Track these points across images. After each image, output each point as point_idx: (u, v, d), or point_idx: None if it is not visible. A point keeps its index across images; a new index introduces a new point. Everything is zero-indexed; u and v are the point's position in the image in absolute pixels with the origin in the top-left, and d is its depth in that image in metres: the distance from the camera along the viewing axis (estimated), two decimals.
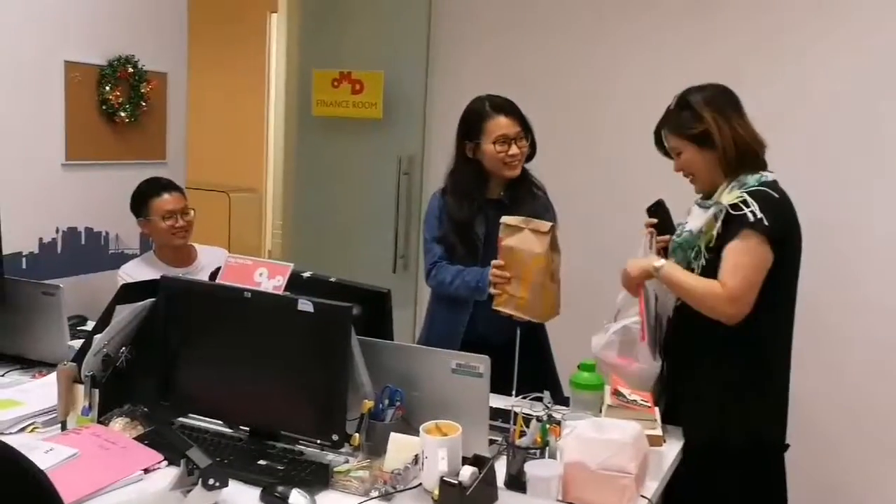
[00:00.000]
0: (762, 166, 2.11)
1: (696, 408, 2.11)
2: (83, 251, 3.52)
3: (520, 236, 2.22)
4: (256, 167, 7.09)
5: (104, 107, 3.48)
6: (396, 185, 4.43)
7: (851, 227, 3.11)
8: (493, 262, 2.29)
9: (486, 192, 2.57)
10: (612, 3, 3.73)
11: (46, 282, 2.46)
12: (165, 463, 1.78)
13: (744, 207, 2.01)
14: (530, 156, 2.59)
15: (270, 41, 6.94)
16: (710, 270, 2.05)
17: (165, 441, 1.80)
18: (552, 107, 3.67)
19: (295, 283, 2.00)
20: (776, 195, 2.06)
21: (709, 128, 2.08)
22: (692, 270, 2.11)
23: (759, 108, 2.19)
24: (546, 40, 3.90)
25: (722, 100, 2.12)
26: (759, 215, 1.99)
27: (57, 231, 3.40)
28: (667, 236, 2.24)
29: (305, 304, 1.79)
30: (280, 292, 1.88)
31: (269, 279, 1.88)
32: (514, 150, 2.50)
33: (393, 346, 1.98)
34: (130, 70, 3.55)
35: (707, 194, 2.15)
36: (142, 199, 3.16)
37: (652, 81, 3.53)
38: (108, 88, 3.47)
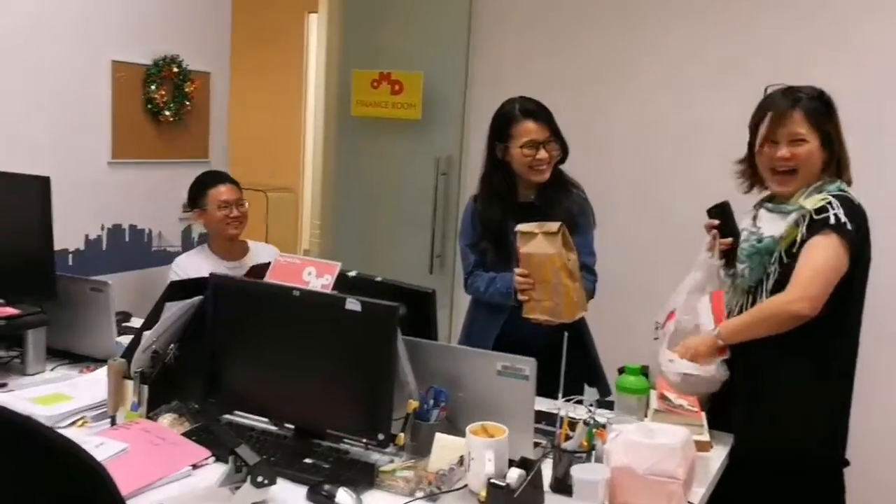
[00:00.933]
0: (844, 178, 2.09)
1: (753, 414, 2.08)
2: (127, 248, 3.57)
3: (535, 242, 2.28)
4: (294, 167, 7.15)
5: (149, 106, 3.53)
6: (434, 185, 4.44)
7: None
8: (516, 269, 2.33)
9: (517, 196, 2.57)
10: (655, 1, 3.71)
11: (94, 278, 2.48)
12: (213, 459, 1.80)
13: (829, 209, 1.97)
14: (562, 159, 2.58)
15: (309, 41, 7.00)
16: (787, 275, 2.01)
17: (214, 437, 1.82)
18: (592, 108, 3.66)
19: (341, 282, 2.01)
20: (857, 203, 2.03)
21: (834, 130, 2.06)
22: (768, 276, 2.06)
23: None
24: (586, 42, 3.89)
25: (834, 107, 2.09)
26: (843, 220, 1.96)
27: (102, 228, 3.45)
28: (729, 239, 2.18)
29: (353, 304, 1.79)
30: (328, 291, 1.89)
31: (318, 278, 1.89)
32: (541, 154, 2.49)
33: (438, 346, 1.98)
34: (175, 70, 3.59)
35: (768, 198, 2.13)
36: (200, 189, 3.27)
37: (698, 82, 3.51)
38: (153, 88, 3.52)
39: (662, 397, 1.99)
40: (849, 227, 1.95)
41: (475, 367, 1.90)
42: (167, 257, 3.60)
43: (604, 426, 1.87)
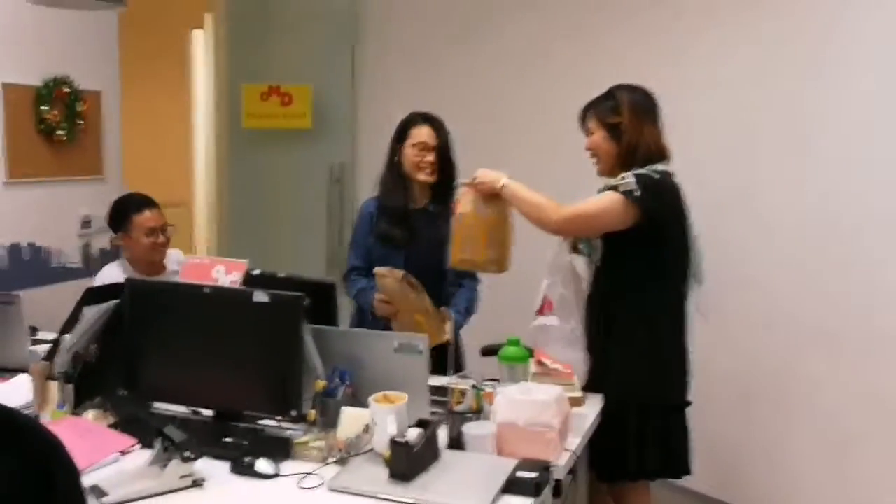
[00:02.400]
0: (657, 162, 2.39)
1: (607, 372, 2.41)
2: (27, 266, 3.63)
3: (388, 282, 2.56)
4: (185, 182, 7.17)
5: (42, 126, 3.61)
6: (328, 192, 4.64)
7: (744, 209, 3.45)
8: (377, 295, 2.63)
9: (412, 199, 2.83)
10: (535, 20, 4.01)
11: (3, 292, 2.58)
12: (139, 446, 1.96)
13: (620, 181, 2.32)
14: (449, 176, 2.82)
15: (194, 57, 7.05)
16: (609, 245, 2.38)
17: (138, 427, 1.98)
18: (471, 118, 3.93)
19: (246, 280, 2.21)
20: (657, 176, 2.34)
21: (622, 123, 2.38)
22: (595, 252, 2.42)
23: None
24: (470, 53, 4.17)
25: (644, 105, 2.42)
26: (632, 187, 2.29)
27: (1, 247, 3.50)
28: None
29: (261, 296, 2.00)
30: (237, 286, 2.09)
31: (227, 275, 2.09)
32: (429, 157, 2.77)
33: (340, 331, 2.21)
34: (66, 90, 3.68)
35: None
36: (123, 215, 3.11)
37: (563, 90, 3.83)
38: (45, 108, 3.60)
39: (539, 363, 2.28)
40: (636, 192, 2.27)
41: (375, 347, 2.13)
42: (68, 274, 3.68)
43: (490, 390, 2.14)
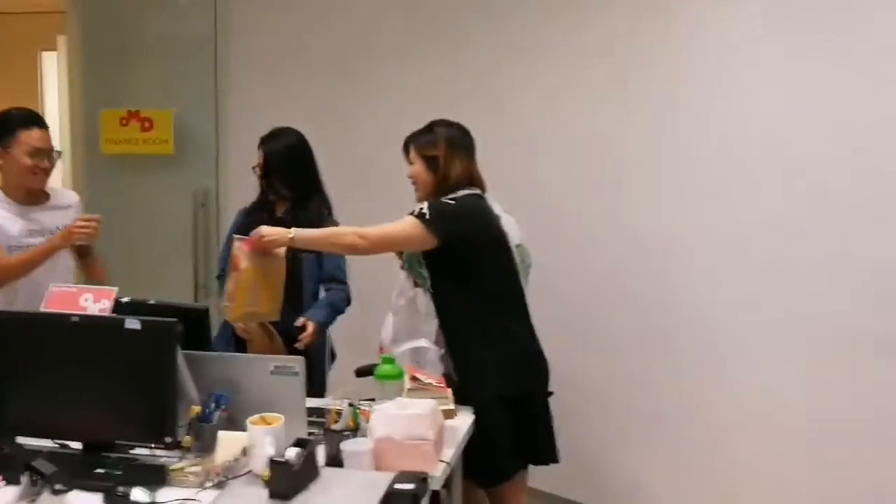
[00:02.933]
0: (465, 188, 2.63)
1: (458, 378, 2.56)
2: None
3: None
4: None
5: None
6: (193, 217, 4.57)
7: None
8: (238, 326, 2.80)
9: (275, 212, 2.99)
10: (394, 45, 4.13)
11: None
12: (3, 483, 1.89)
13: (417, 208, 2.55)
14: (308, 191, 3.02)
15: (44, 80, 6.78)
16: (431, 266, 2.61)
17: (2, 462, 1.91)
18: (328, 143, 4.00)
19: (116, 308, 2.18)
20: (451, 203, 2.57)
21: (438, 157, 2.61)
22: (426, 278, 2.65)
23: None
24: (331, 77, 4.25)
25: (460, 140, 2.65)
26: (424, 210, 2.52)
27: None
28: None
29: (133, 323, 1.98)
30: (106, 314, 2.06)
31: (95, 303, 2.05)
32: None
33: (215, 356, 2.21)
34: None
35: None
36: (7, 126, 2.80)
37: (401, 119, 3.96)
38: None
39: (414, 378, 2.36)
40: (427, 215, 2.51)
41: (251, 371, 2.15)
42: None
43: (366, 408, 2.19)
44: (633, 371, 3.51)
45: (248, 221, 2.91)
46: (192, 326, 2.19)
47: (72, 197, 3.03)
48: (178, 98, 4.60)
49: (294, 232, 2.57)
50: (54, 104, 6.60)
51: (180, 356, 2.04)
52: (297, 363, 2.12)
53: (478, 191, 2.67)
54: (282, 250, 2.63)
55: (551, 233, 3.50)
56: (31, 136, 2.76)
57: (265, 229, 2.59)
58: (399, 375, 2.40)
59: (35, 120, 2.85)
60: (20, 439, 2.08)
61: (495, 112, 3.76)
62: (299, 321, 2.78)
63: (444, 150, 2.62)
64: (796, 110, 2.99)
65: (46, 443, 2.08)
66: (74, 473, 1.92)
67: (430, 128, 2.67)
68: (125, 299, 2.26)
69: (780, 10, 3.01)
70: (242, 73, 4.47)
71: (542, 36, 3.75)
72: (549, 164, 3.71)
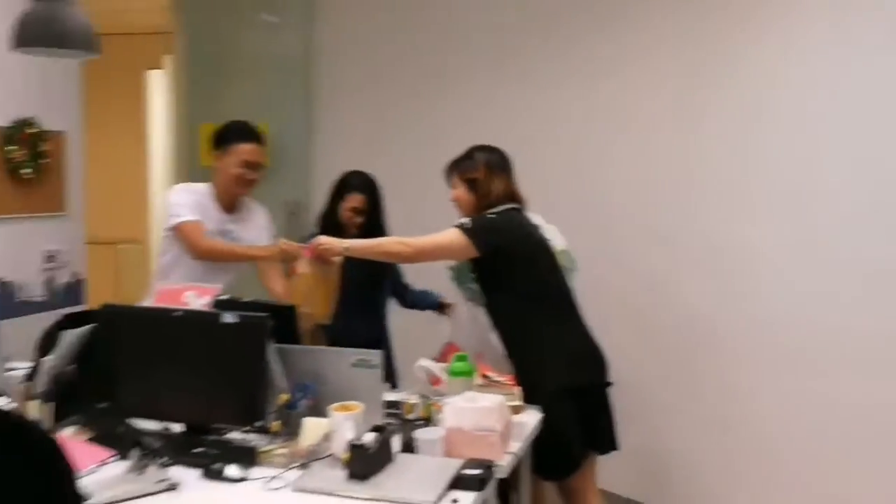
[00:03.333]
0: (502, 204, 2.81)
1: (521, 379, 2.67)
2: None
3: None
4: (140, 218, 7.30)
5: (9, 165, 3.76)
6: (284, 226, 4.84)
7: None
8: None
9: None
10: (476, 66, 4.31)
11: None
12: (116, 457, 2.13)
13: (459, 221, 2.79)
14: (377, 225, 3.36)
15: (149, 96, 7.23)
16: (483, 283, 2.81)
17: (115, 441, 2.15)
18: (414, 161, 4.21)
19: (215, 304, 2.40)
20: (492, 216, 2.78)
21: (479, 178, 2.80)
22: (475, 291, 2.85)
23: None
24: (407, 95, 4.46)
25: (498, 162, 2.85)
26: (466, 223, 2.75)
27: None
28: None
29: (229, 318, 2.19)
30: (206, 309, 2.28)
31: (198, 298, 2.28)
32: (360, 219, 3.35)
33: (302, 349, 2.41)
34: (31, 130, 3.83)
35: None
36: (228, 137, 3.20)
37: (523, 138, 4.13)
38: (11, 148, 3.75)
39: (484, 376, 2.51)
40: (466, 225, 2.73)
41: (333, 363, 2.34)
42: (32, 307, 3.81)
43: (438, 401, 2.36)
44: (699, 373, 3.58)
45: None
46: (282, 322, 2.40)
47: (261, 215, 3.38)
48: (272, 114, 4.88)
49: (348, 242, 2.86)
50: (158, 119, 7.04)
51: (271, 349, 2.25)
52: (376, 357, 2.31)
53: (517, 206, 2.84)
54: (337, 259, 2.89)
55: (619, 238, 3.63)
56: (245, 149, 3.14)
57: (323, 238, 2.86)
58: (470, 373, 2.56)
59: (251, 135, 3.22)
60: (131, 420, 2.33)
61: (572, 118, 3.92)
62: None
63: (484, 172, 2.83)
64: (872, 117, 3.02)
65: (153, 424, 2.32)
66: (177, 451, 2.14)
67: (470, 154, 2.89)
68: (223, 297, 2.49)
69: (855, 18, 3.05)
70: (333, 91, 4.73)
71: (618, 45, 3.88)
72: (622, 170, 3.84)
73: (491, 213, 2.79)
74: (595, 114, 3.95)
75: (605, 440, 2.80)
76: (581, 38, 3.99)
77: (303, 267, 2.85)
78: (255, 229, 3.29)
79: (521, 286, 2.76)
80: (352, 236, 3.21)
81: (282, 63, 4.88)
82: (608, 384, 2.82)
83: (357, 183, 3.37)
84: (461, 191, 2.86)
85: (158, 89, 6.98)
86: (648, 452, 3.68)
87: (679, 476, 3.67)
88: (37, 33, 2.52)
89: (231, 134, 3.21)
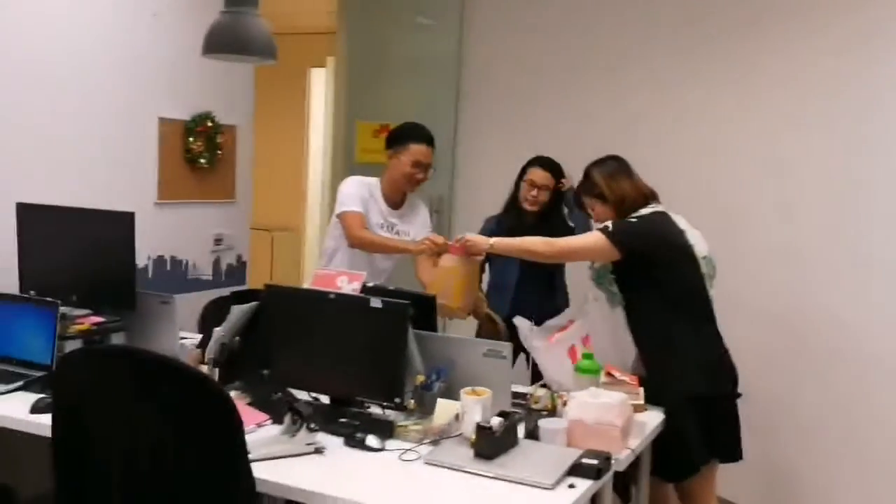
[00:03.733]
0: (644, 206, 2.88)
1: (650, 379, 2.77)
2: (168, 276, 4.18)
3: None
4: (296, 208, 7.77)
5: (188, 155, 4.17)
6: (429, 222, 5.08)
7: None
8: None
9: (525, 223, 3.49)
10: (617, 75, 4.41)
11: (162, 294, 3.08)
12: (271, 421, 2.40)
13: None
14: (554, 208, 3.56)
15: (311, 93, 7.68)
16: (623, 285, 2.87)
17: (270, 406, 2.42)
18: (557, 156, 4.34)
19: (363, 290, 2.64)
20: (635, 220, 2.85)
21: (602, 189, 2.89)
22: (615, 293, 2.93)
23: None
24: (550, 97, 4.60)
25: (612, 167, 2.95)
26: (609, 226, 2.82)
27: (149, 259, 4.06)
28: None
29: (376, 302, 2.42)
30: (357, 294, 2.52)
31: (349, 284, 2.52)
32: (535, 193, 3.49)
33: (439, 336, 2.61)
34: (209, 124, 4.24)
35: None
36: (403, 137, 3.44)
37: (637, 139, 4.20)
38: (191, 140, 4.16)
39: (609, 374, 2.62)
40: (610, 229, 2.81)
41: (466, 351, 2.52)
42: (201, 284, 4.22)
43: (564, 393, 2.50)
44: (839, 390, 3.53)
45: (504, 227, 3.48)
46: (422, 310, 2.61)
47: (422, 211, 3.64)
48: (422, 112, 5.11)
49: (493, 240, 2.98)
50: (319, 115, 7.48)
51: (411, 333, 2.45)
52: (506, 349, 2.47)
53: (660, 208, 2.90)
54: (479, 257, 3.06)
55: (728, 248, 3.64)
56: (418, 150, 3.39)
57: (469, 235, 3.03)
58: (597, 371, 2.67)
59: (425, 137, 3.44)
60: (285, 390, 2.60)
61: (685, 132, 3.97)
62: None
63: (605, 181, 2.92)
64: None
65: (304, 394, 2.58)
66: (323, 420, 2.38)
67: (587, 173, 2.99)
68: (370, 284, 2.72)
69: None
70: (479, 92, 4.92)
71: (729, 62, 3.92)
72: (732, 182, 3.86)
73: (633, 217, 2.87)
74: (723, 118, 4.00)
75: (728, 449, 2.82)
76: (719, 41, 4.03)
77: (445, 261, 3.03)
78: (417, 225, 3.55)
79: (660, 290, 2.83)
80: (530, 217, 3.46)
81: (433, 64, 5.12)
82: (737, 395, 2.84)
83: (540, 160, 3.55)
84: (598, 208, 2.96)
85: (320, 87, 7.40)
86: (775, 466, 3.66)
87: (807, 494, 3.63)
88: (224, 41, 2.84)
89: (407, 134, 3.44)
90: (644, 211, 2.88)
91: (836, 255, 3.55)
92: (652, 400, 2.67)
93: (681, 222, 2.93)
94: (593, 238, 2.87)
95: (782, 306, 3.74)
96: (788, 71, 3.77)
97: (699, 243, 2.93)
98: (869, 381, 3.41)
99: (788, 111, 3.77)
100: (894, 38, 3.36)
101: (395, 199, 3.50)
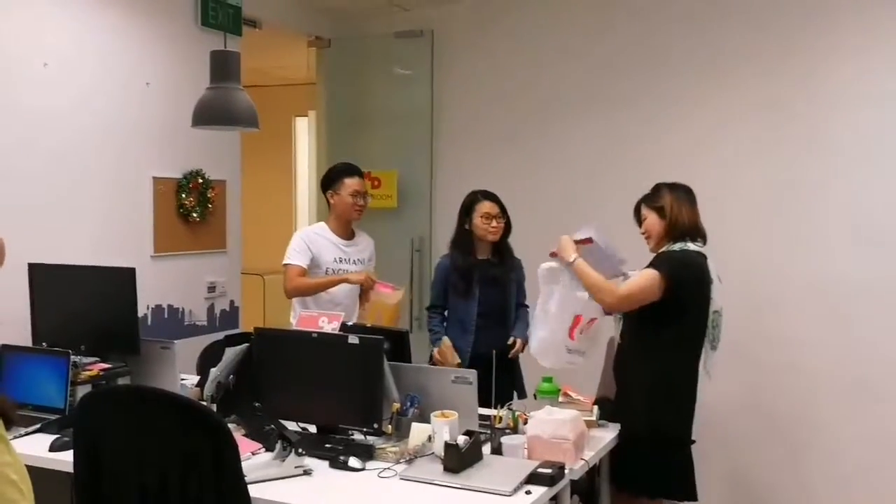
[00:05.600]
0: (693, 239, 3.05)
1: (621, 406, 3.03)
2: (166, 323, 4.46)
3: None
4: (285, 252, 8.06)
5: (181, 210, 4.48)
6: (410, 260, 5.41)
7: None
8: (435, 354, 3.67)
9: (477, 254, 3.73)
10: (582, 118, 4.76)
11: (163, 339, 3.37)
12: (263, 449, 2.69)
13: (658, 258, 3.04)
14: (507, 233, 3.69)
15: (297, 140, 8.04)
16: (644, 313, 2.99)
17: (262, 436, 2.71)
18: (518, 197, 4.68)
19: (343, 328, 2.96)
20: (679, 255, 3.01)
21: (665, 205, 3.06)
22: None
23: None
24: (522, 145, 4.95)
25: (683, 193, 3.10)
26: (655, 264, 2.98)
27: (147, 308, 4.35)
28: None
29: (353, 339, 2.73)
30: (336, 332, 2.83)
31: (329, 324, 2.83)
32: (494, 223, 3.69)
33: (412, 367, 2.92)
34: (200, 180, 4.56)
35: None
36: (337, 176, 3.95)
37: (587, 182, 4.54)
38: (184, 196, 4.48)
39: (566, 395, 2.93)
40: (657, 263, 2.96)
41: (437, 379, 2.83)
42: (196, 330, 4.51)
43: (521, 412, 2.81)
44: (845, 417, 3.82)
45: (456, 263, 3.77)
46: (396, 344, 2.92)
47: (369, 240, 4.16)
48: (400, 158, 5.47)
49: (575, 257, 3.04)
50: (304, 161, 7.83)
51: (386, 365, 2.76)
52: (472, 375, 2.78)
53: (703, 249, 3.02)
54: (396, 298, 3.73)
55: (739, 271, 3.95)
56: (353, 182, 3.90)
57: (563, 239, 3.10)
58: (556, 392, 2.98)
59: (354, 170, 3.97)
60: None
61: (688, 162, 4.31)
62: (511, 340, 3.69)
63: (670, 199, 3.05)
64: None
65: (292, 425, 2.87)
66: (310, 446, 2.68)
67: (657, 187, 3.13)
68: (350, 322, 3.04)
69: None
70: (453, 139, 5.28)
71: (736, 90, 4.31)
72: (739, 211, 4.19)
73: (676, 248, 2.98)
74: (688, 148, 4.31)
75: (681, 488, 3.03)
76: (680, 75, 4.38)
77: (378, 293, 3.53)
78: (367, 253, 4.07)
79: (669, 328, 2.95)
80: (488, 246, 3.72)
81: (409, 112, 5.47)
82: (692, 441, 3.04)
83: (483, 193, 3.79)
84: (651, 219, 3.05)
85: (304, 134, 7.76)
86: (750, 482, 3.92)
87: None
88: (212, 115, 3.18)
89: (339, 173, 3.96)
90: (691, 245, 3.01)
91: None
92: (613, 419, 2.98)
93: (713, 271, 3.02)
94: (646, 278, 2.92)
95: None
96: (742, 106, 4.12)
97: (718, 297, 3.02)
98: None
99: (734, 143, 4.11)
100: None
101: (346, 232, 3.99)
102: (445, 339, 3.63)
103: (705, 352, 3.02)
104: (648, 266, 2.98)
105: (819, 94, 3.99)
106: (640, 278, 2.95)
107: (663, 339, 2.98)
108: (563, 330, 3.02)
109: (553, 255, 3.13)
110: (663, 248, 3.05)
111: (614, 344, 3.20)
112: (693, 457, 3.06)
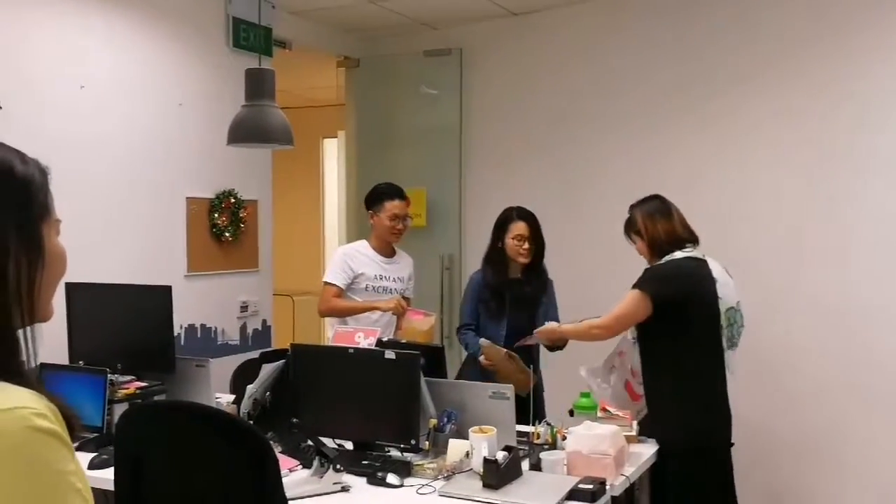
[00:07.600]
0: (678, 247, 3.07)
1: (655, 421, 3.01)
2: (199, 342, 4.48)
3: (495, 352, 3.44)
4: (315, 272, 8.10)
5: (214, 230, 4.51)
6: (440, 278, 5.40)
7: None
8: (482, 360, 3.46)
9: (509, 272, 3.65)
10: (608, 135, 4.76)
11: (199, 357, 3.38)
12: (301, 466, 2.68)
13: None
14: (540, 253, 3.66)
15: (324, 162, 8.09)
16: (643, 331, 3.07)
17: (300, 452, 2.70)
18: (549, 213, 4.67)
19: (378, 344, 2.95)
20: (658, 268, 3.06)
21: (639, 227, 3.13)
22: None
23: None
24: (552, 162, 4.95)
25: (653, 207, 3.15)
26: (639, 281, 3.03)
27: (181, 327, 4.37)
28: None
29: (390, 355, 2.72)
30: (373, 348, 2.82)
31: (365, 339, 2.82)
32: (526, 245, 3.59)
33: (449, 382, 2.90)
34: (232, 200, 4.59)
35: None
36: (379, 197, 3.94)
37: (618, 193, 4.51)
38: (216, 215, 4.51)
39: (604, 410, 2.89)
40: (641, 280, 3.02)
41: (474, 395, 2.81)
42: (229, 349, 4.53)
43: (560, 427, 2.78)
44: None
45: (488, 280, 3.69)
46: (432, 360, 2.91)
47: (409, 259, 4.14)
48: (430, 176, 5.48)
49: (563, 329, 3.30)
50: (333, 181, 7.87)
51: (423, 381, 2.75)
52: (509, 391, 2.76)
53: (697, 252, 3.07)
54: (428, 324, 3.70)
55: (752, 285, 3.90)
56: (394, 205, 3.88)
57: (539, 331, 3.35)
58: (594, 408, 2.95)
59: (396, 193, 3.94)
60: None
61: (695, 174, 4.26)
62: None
63: (641, 219, 3.14)
64: None
65: (329, 441, 2.86)
66: (348, 462, 2.66)
67: (630, 211, 3.22)
68: (385, 338, 3.02)
69: None
70: (483, 156, 5.28)
71: (737, 107, 4.27)
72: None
73: (667, 260, 3.04)
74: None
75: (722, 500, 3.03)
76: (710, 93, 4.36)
77: (411, 320, 3.50)
78: (406, 273, 4.05)
79: (678, 339, 2.98)
80: (520, 266, 3.64)
81: (438, 131, 5.48)
82: (731, 444, 3.04)
83: (518, 213, 3.68)
84: (639, 244, 3.16)
85: (333, 155, 7.81)
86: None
87: None
88: (247, 133, 3.20)
89: (381, 194, 3.94)
90: (678, 254, 3.05)
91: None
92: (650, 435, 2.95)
93: (716, 269, 3.05)
94: (631, 298, 3.02)
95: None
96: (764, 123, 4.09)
97: (729, 294, 3.04)
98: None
99: (757, 156, 4.08)
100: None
101: (386, 251, 3.98)
102: (482, 340, 3.48)
103: (724, 351, 3.04)
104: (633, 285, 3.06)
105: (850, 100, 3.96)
106: (626, 298, 3.05)
107: (678, 349, 3.00)
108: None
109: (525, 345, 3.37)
110: (655, 264, 3.12)
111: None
112: (734, 474, 3.01)
